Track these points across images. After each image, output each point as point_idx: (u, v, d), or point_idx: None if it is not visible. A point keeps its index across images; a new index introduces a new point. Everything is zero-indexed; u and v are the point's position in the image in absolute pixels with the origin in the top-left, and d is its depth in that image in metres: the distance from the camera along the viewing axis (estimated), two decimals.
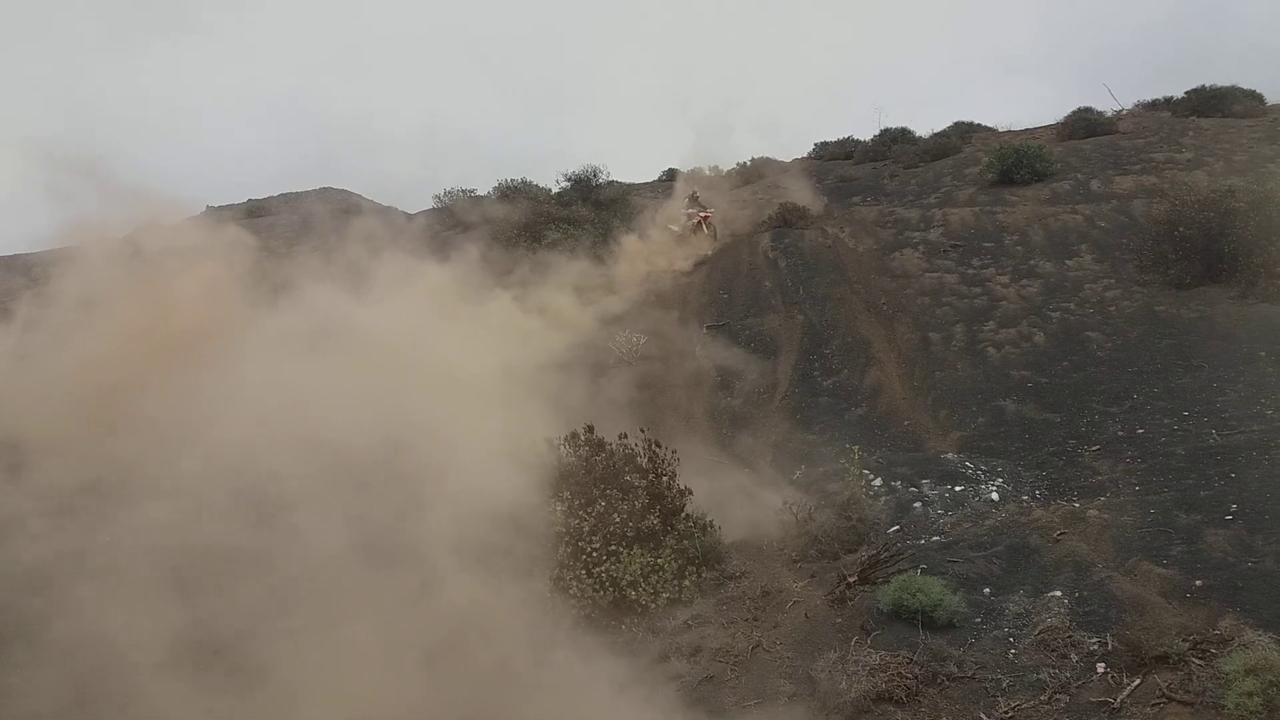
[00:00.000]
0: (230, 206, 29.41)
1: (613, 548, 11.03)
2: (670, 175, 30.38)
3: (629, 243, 23.25)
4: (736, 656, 9.42)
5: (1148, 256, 16.74)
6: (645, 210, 25.17)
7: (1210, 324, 14.57)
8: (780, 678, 8.86)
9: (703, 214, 22.87)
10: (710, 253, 22.23)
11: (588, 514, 11.26)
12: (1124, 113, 27.77)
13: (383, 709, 8.46)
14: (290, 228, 24.16)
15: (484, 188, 28.95)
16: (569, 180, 28.69)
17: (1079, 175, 21.85)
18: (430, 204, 28.91)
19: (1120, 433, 12.54)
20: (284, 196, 30.39)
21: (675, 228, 23.26)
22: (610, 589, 10.66)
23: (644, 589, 10.75)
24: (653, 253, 22.78)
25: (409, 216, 27.34)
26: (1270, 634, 7.68)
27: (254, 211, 28.90)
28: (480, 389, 14.35)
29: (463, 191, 28.99)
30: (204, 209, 29.10)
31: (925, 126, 31.54)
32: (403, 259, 19.20)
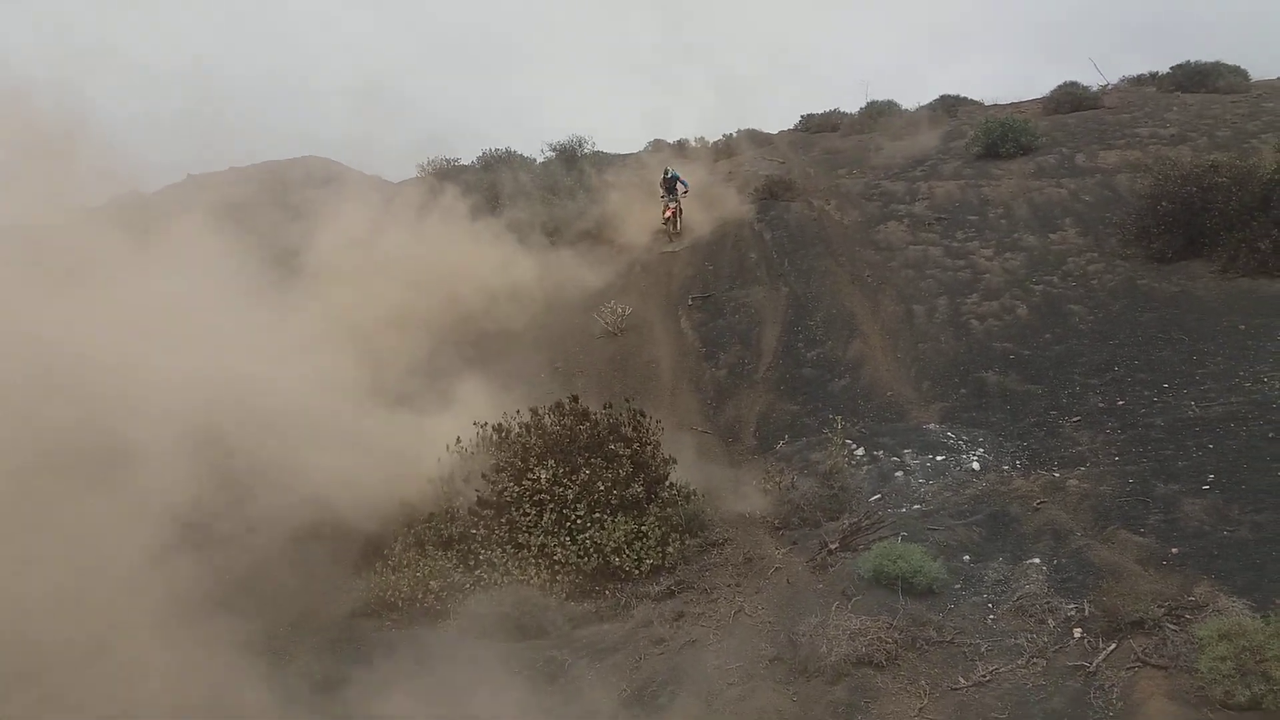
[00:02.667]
0: (213, 174, 29.09)
1: (597, 515, 11.09)
2: (655, 146, 30.32)
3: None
4: (719, 621, 9.51)
5: (1131, 230, 16.81)
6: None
7: (1191, 298, 14.68)
8: (762, 641, 8.94)
9: (670, 205, 22.26)
10: (675, 249, 21.81)
11: (572, 481, 11.30)
12: (1109, 88, 27.86)
13: None
14: (276, 194, 23.92)
15: (468, 157, 28.83)
16: (554, 150, 28.57)
17: (1064, 149, 21.90)
18: (414, 173, 28.75)
19: (1101, 404, 12.65)
20: (267, 164, 30.07)
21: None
22: (595, 555, 10.72)
23: (628, 555, 10.82)
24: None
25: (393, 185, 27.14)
26: (1243, 600, 7.79)
27: (238, 179, 28.57)
28: None
29: (446, 161, 28.83)
30: (185, 176, 28.84)
31: (912, 100, 31.52)
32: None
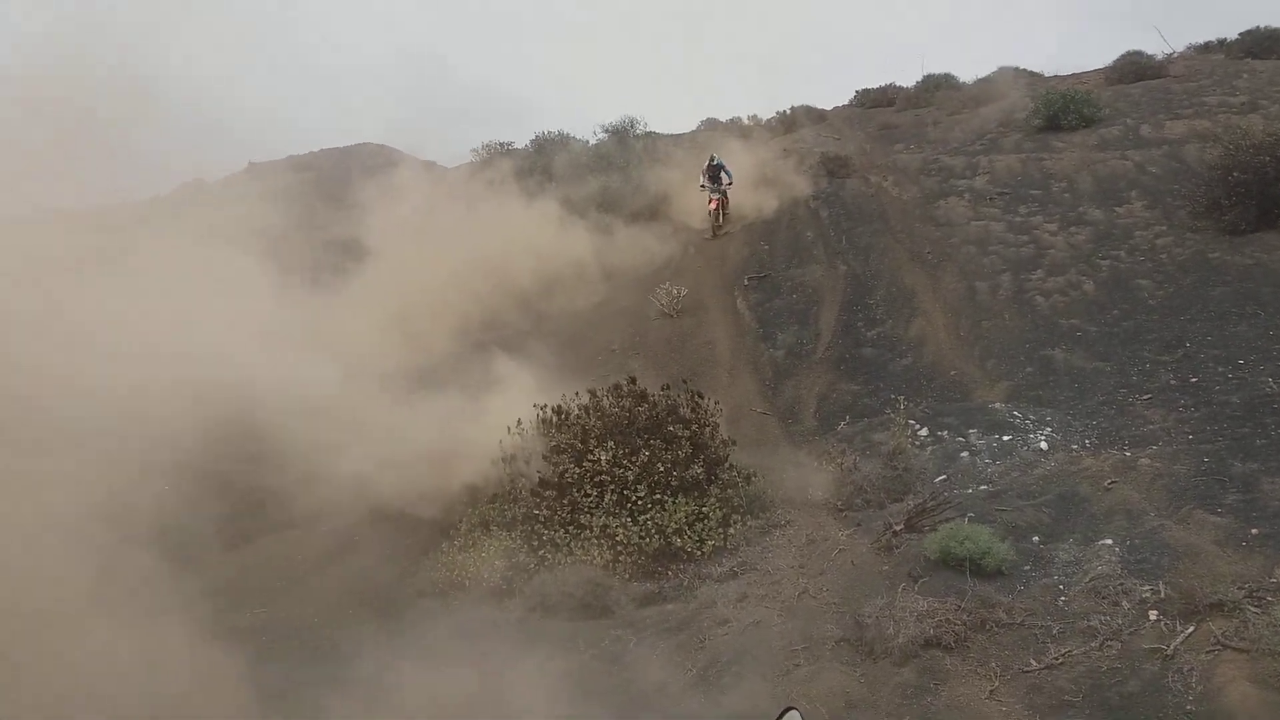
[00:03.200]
0: (272, 163, 29.54)
1: (658, 496, 11.10)
2: (709, 125, 30.09)
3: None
4: (783, 602, 9.47)
5: (1200, 202, 16.33)
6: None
7: (1266, 270, 14.24)
8: (827, 623, 8.89)
9: (714, 197, 21.02)
10: (717, 237, 21.03)
11: (632, 463, 11.32)
12: (1175, 56, 27.03)
13: None
14: (334, 182, 24.31)
15: (521, 140, 28.86)
16: (606, 131, 28.48)
17: (1128, 120, 21.33)
18: (469, 158, 28.85)
19: (1173, 381, 12.34)
20: (324, 152, 30.49)
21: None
22: (656, 536, 10.74)
23: (689, 536, 10.83)
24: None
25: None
26: None
27: (297, 167, 29.02)
28: None
29: (499, 144, 28.89)
30: (246, 165, 29.33)
31: (969, 73, 30.87)
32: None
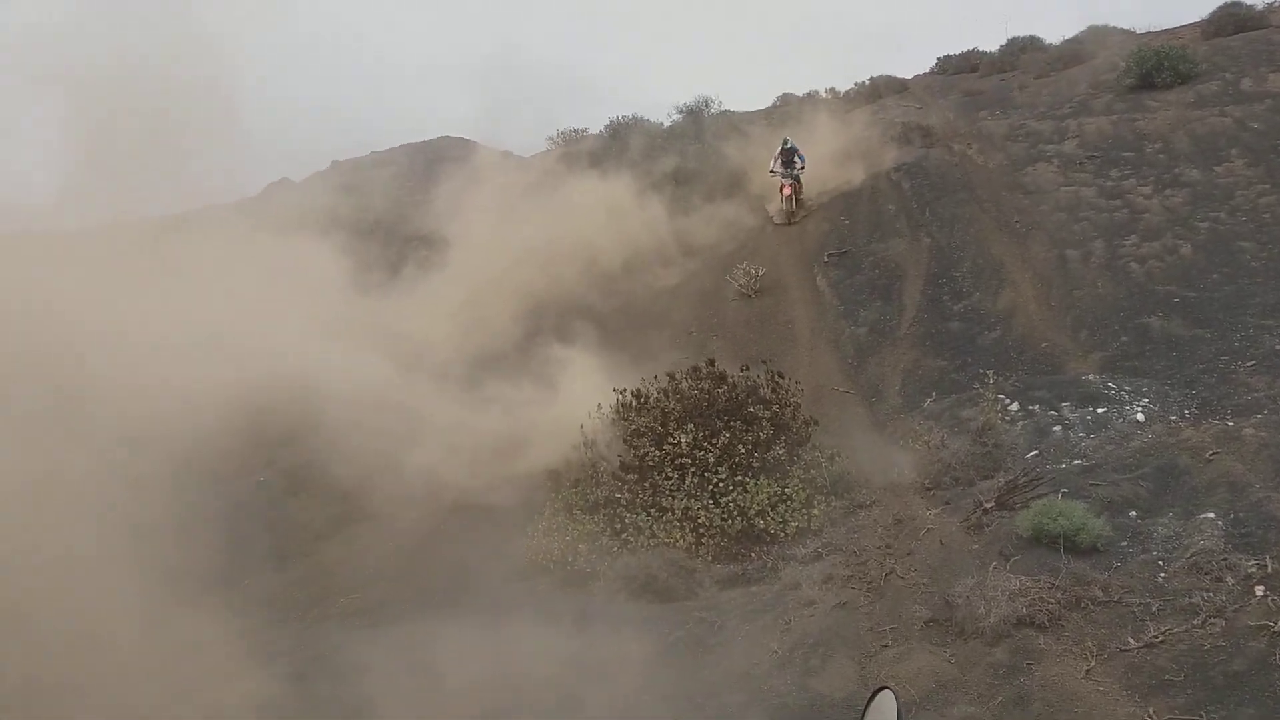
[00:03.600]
0: (355, 159, 30.23)
1: (739, 478, 11.05)
2: (785, 100, 29.69)
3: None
4: (870, 583, 9.33)
5: None
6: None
7: None
8: (915, 603, 8.74)
9: (787, 182, 20.12)
10: (792, 224, 20.19)
11: (713, 445, 11.29)
12: (1277, 4, 25.59)
13: None
14: (413, 175, 24.82)
15: (595, 125, 28.90)
16: (680, 112, 28.34)
17: (1227, 75, 20.29)
18: (545, 147, 29.04)
19: (1279, 347, 11.76)
20: (404, 147, 31.03)
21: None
22: (739, 518, 10.70)
23: (772, 518, 10.77)
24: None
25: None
26: None
27: (379, 163, 29.63)
28: None
29: (575, 131, 29.01)
30: (330, 164, 30.07)
31: (1056, 33, 29.79)
32: None
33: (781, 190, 20.27)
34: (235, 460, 13.48)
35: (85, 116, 13.88)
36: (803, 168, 20.31)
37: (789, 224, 20.25)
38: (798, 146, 20.39)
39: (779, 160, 20.29)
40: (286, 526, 12.75)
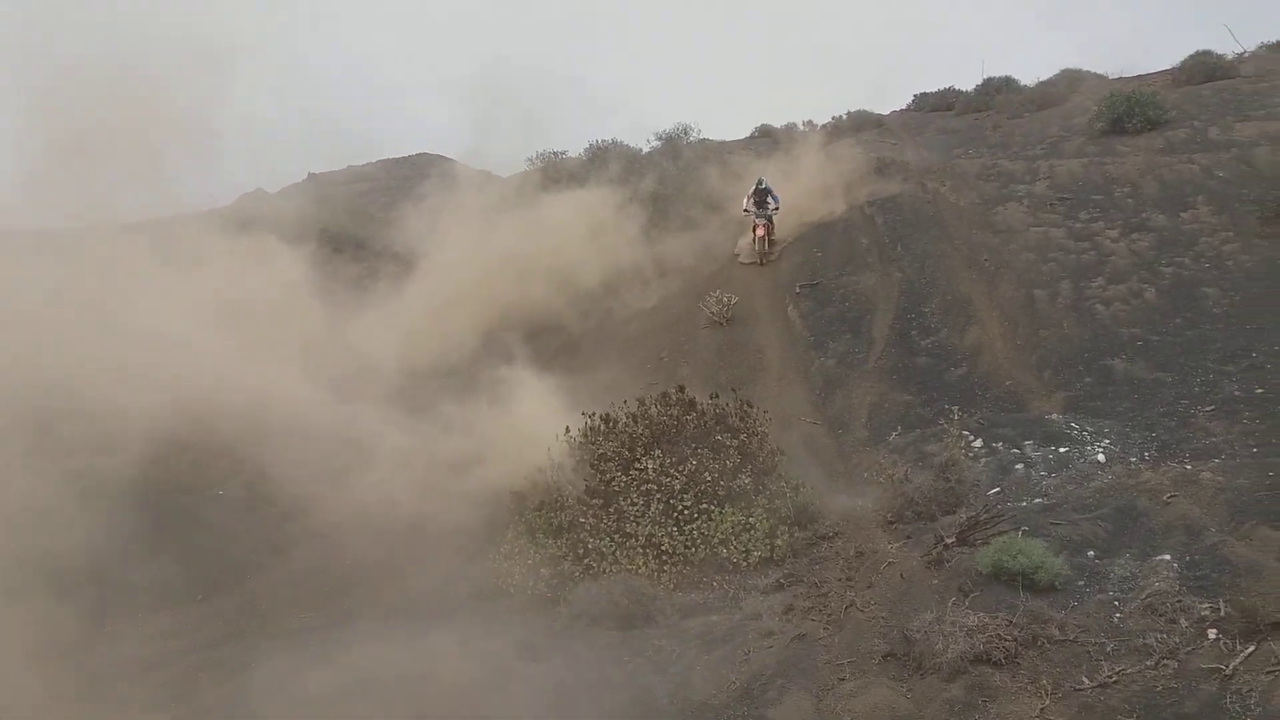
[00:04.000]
0: (332, 173, 30.16)
1: (704, 505, 11.05)
2: (762, 132, 29.98)
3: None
4: (830, 615, 9.35)
5: (1270, 207, 15.84)
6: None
7: None
8: (874, 637, 8.76)
9: (760, 222, 19.97)
10: (764, 265, 20.03)
11: (679, 472, 11.29)
12: (1246, 55, 26.22)
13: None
14: (390, 191, 24.80)
15: (575, 149, 29.00)
16: (659, 139, 28.52)
17: (1196, 123, 20.75)
18: (524, 168, 29.10)
19: (1237, 392, 11.96)
20: (382, 162, 31.01)
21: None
22: (702, 546, 10.69)
23: (735, 547, 10.77)
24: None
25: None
26: None
27: (355, 178, 29.60)
28: None
29: (554, 153, 29.10)
30: (306, 176, 29.98)
31: (1030, 75, 30.33)
32: None
33: (754, 230, 20.09)
34: (191, 474, 13.37)
35: (50, 116, 13.82)
36: (776, 208, 20.16)
37: (762, 264, 20.09)
38: (771, 187, 20.21)
39: (752, 199, 20.12)
40: (238, 543, 12.61)
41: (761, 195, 20.01)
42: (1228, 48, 26.71)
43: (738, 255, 20.88)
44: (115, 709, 8.95)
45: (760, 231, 19.97)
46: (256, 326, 14.39)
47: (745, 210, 20.22)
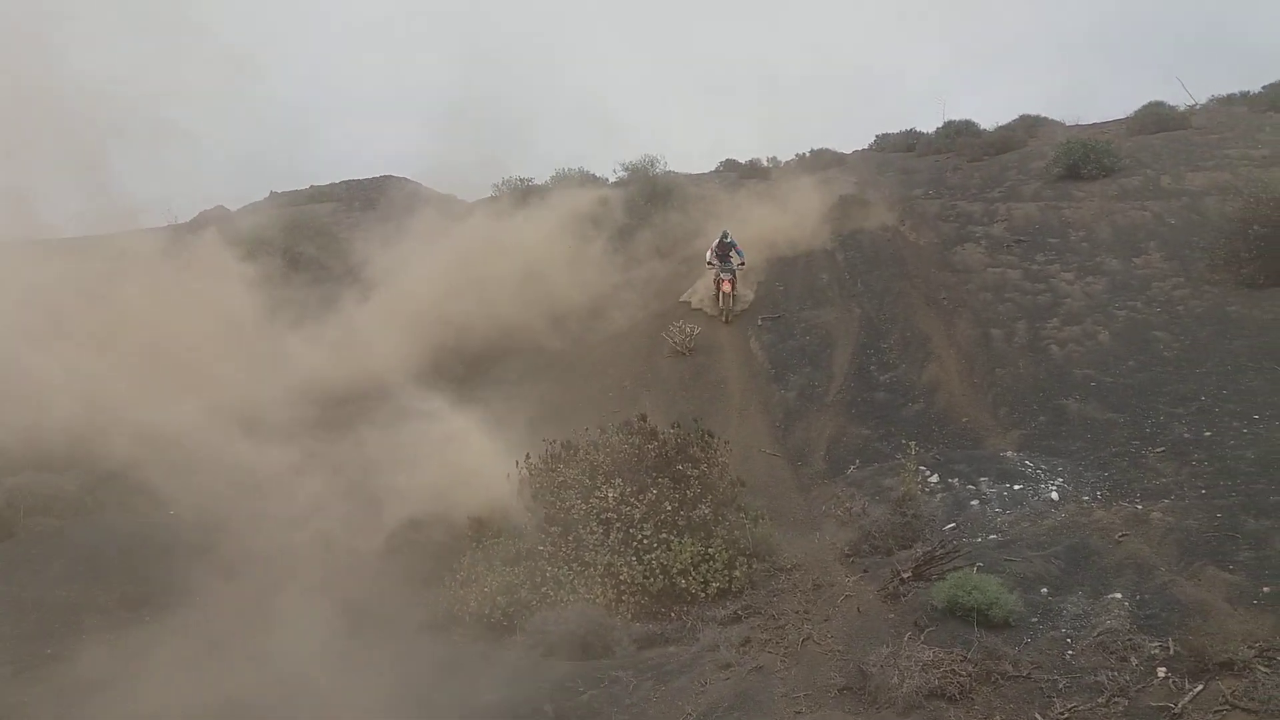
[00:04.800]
0: (295, 192, 29.93)
1: (664, 535, 11.03)
2: (728, 166, 30.27)
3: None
4: (786, 647, 9.35)
5: (1219, 255, 16.29)
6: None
7: None
8: (831, 670, 8.77)
9: (725, 278, 19.15)
10: (729, 323, 19.23)
11: (639, 501, 11.27)
12: (1197, 107, 27.05)
13: None
14: (351, 211, 24.64)
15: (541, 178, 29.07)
16: (626, 169, 28.71)
17: (1149, 171, 21.31)
18: (489, 193, 29.10)
19: (1187, 435, 12.21)
20: (346, 183, 30.84)
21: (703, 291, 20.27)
22: (661, 576, 10.65)
23: (694, 578, 10.74)
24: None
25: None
26: None
27: (317, 197, 29.39)
28: None
29: (520, 180, 29.15)
30: (268, 194, 29.72)
31: (990, 119, 31.01)
32: None
33: (719, 286, 19.32)
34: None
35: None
36: (742, 263, 19.46)
37: (727, 322, 19.25)
38: (735, 242, 19.36)
39: (715, 253, 19.29)
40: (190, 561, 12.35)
41: (725, 249, 19.22)
42: (1179, 99, 27.44)
43: (688, 301, 20.30)
44: None
45: (726, 287, 19.20)
46: (201, 345, 14.24)
47: (709, 264, 19.48)
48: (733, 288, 19.25)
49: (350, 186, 30.60)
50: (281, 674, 9.59)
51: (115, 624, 10.63)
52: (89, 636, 10.15)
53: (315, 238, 23.10)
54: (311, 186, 30.88)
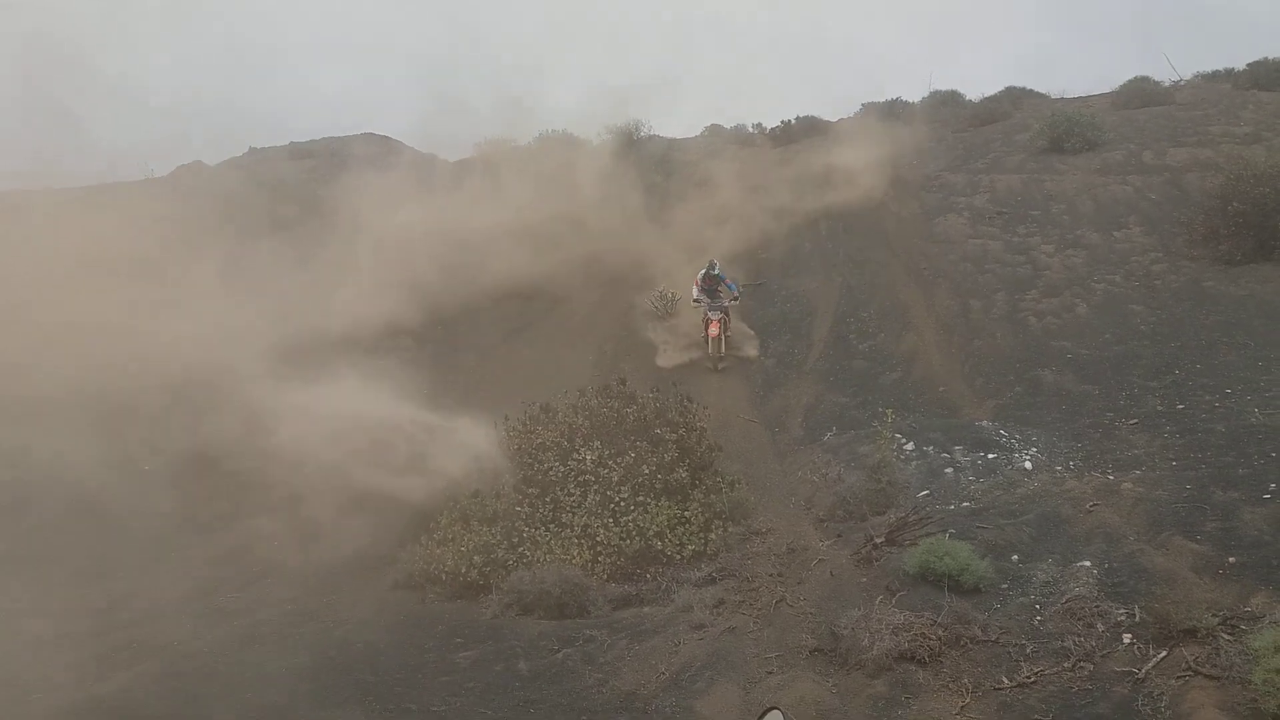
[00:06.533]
0: (273, 148, 29.53)
1: (641, 498, 11.09)
2: (712, 131, 30.00)
3: None
4: (760, 609, 9.47)
5: (1198, 231, 16.39)
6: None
7: (1259, 301, 14.29)
8: (803, 632, 8.89)
9: (714, 318, 16.01)
10: (719, 370, 16.14)
11: (617, 464, 11.32)
12: (1182, 83, 27.04)
13: None
14: (331, 168, 24.34)
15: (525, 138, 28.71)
16: (611, 132, 28.41)
17: (1131, 145, 21.32)
18: (470, 153, 28.74)
19: (1160, 407, 12.35)
20: (326, 140, 30.43)
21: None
22: (637, 538, 10.72)
23: (670, 540, 10.82)
24: None
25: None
26: None
27: (296, 154, 29.00)
28: None
29: (503, 140, 28.78)
30: (246, 149, 29.32)
31: (976, 90, 30.83)
32: None
33: (708, 328, 16.16)
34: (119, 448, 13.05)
35: None
36: (736, 298, 16.45)
37: (716, 369, 16.16)
38: (724, 274, 16.32)
39: (702, 288, 16.21)
40: (164, 520, 12.33)
41: (713, 282, 16.12)
42: (1165, 75, 27.38)
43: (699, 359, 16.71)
44: None
45: (714, 330, 16.06)
46: (186, 299, 14.10)
47: (695, 301, 16.33)
48: (721, 330, 16.17)
49: (331, 143, 30.16)
50: (239, 629, 9.69)
51: None
52: None
53: (298, 195, 22.82)
54: (291, 143, 30.43)
